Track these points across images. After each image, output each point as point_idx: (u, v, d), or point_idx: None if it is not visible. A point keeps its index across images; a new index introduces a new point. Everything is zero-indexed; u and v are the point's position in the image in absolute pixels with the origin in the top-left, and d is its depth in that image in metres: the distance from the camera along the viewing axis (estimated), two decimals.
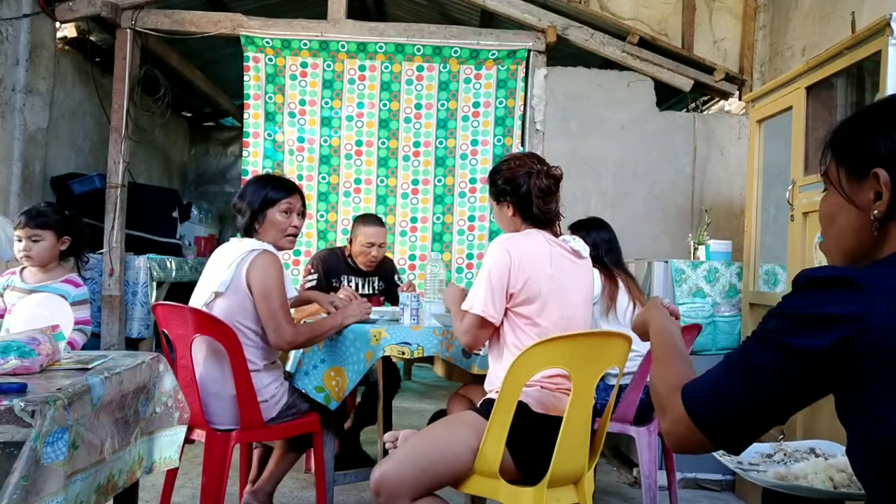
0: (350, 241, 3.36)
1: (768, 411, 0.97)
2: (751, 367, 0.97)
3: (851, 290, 0.90)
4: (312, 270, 3.31)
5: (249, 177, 4.47)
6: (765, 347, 0.96)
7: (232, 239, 2.47)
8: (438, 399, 4.98)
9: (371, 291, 3.41)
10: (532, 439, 1.84)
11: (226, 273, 2.26)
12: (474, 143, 4.57)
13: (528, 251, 1.97)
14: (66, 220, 2.59)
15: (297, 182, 4.47)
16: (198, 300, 2.33)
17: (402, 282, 3.46)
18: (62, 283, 2.56)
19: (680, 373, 1.09)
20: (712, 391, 1.00)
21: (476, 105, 4.57)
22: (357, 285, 3.37)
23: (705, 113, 5.14)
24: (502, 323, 1.99)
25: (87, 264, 2.89)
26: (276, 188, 2.42)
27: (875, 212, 0.97)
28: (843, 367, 0.91)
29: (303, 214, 2.49)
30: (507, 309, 1.97)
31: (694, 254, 3.67)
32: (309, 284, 3.26)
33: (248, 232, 2.39)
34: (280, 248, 2.41)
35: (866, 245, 1.01)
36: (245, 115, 4.53)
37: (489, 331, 2.01)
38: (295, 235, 2.46)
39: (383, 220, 3.52)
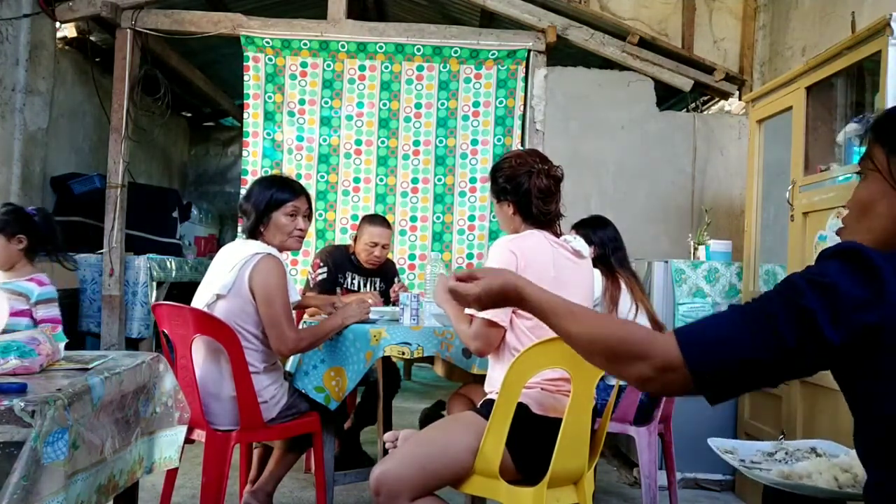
0: (355, 239, 3.37)
1: (769, 370, 0.94)
2: (768, 326, 0.93)
3: (882, 280, 0.89)
4: (321, 264, 3.33)
5: (249, 176, 4.49)
6: (789, 313, 0.92)
7: (237, 240, 2.46)
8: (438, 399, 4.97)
9: (373, 291, 3.41)
10: (532, 440, 1.84)
11: (228, 276, 2.25)
12: (474, 142, 4.57)
13: (532, 253, 1.96)
14: (19, 219, 2.55)
15: None
16: (200, 300, 2.33)
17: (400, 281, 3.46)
18: (26, 282, 2.54)
19: (626, 325, 1.07)
20: (717, 334, 0.96)
21: (476, 105, 4.57)
22: (359, 284, 3.38)
23: (705, 113, 5.15)
24: None
25: (75, 261, 2.84)
26: (282, 190, 2.40)
27: None
28: (862, 353, 0.90)
29: (309, 216, 2.48)
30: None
31: (694, 254, 3.67)
32: (320, 278, 3.28)
33: (254, 234, 2.38)
34: (286, 249, 2.41)
35: None
36: (245, 115, 4.53)
37: (500, 333, 1.96)
38: (301, 237, 2.46)
39: (388, 221, 3.52)
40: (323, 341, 2.37)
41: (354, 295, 3.20)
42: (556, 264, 1.98)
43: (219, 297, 2.26)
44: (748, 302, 0.99)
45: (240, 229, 4.39)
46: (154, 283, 4.64)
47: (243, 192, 4.45)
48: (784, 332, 0.91)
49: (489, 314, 1.92)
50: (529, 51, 4.49)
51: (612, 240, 2.90)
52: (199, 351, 2.27)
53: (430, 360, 2.85)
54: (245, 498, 2.49)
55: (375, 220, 3.37)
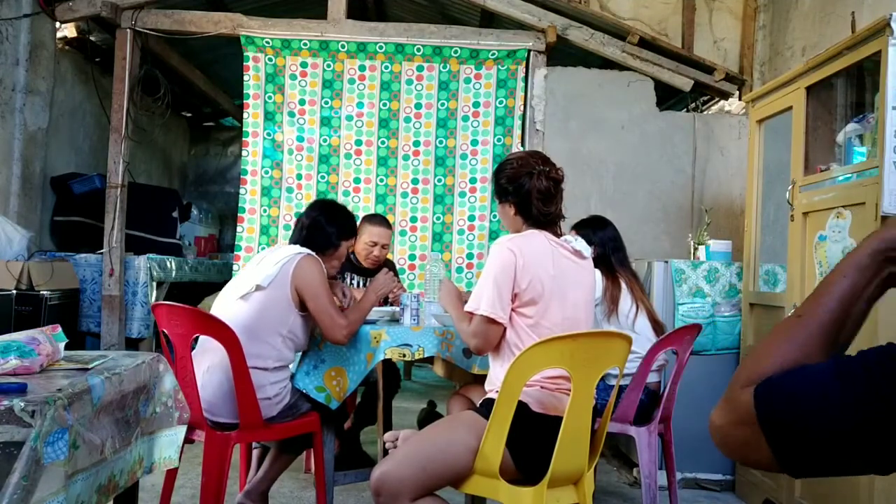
0: (355, 240, 3.37)
1: (862, 451, 0.72)
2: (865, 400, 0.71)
3: None
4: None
5: (249, 176, 4.49)
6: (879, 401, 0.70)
7: (281, 247, 2.54)
8: (438, 399, 4.98)
9: None
10: (532, 439, 1.84)
11: (272, 269, 2.33)
12: (474, 142, 4.57)
13: (531, 252, 1.96)
14: None
15: (296, 181, 4.51)
16: (233, 293, 2.38)
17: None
18: None
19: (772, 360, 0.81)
20: (804, 391, 0.75)
21: (476, 105, 4.57)
22: (358, 284, 3.38)
23: (705, 113, 5.15)
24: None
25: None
26: (354, 224, 2.66)
27: None
28: None
29: None
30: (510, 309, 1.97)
31: (694, 254, 3.67)
32: None
33: (322, 249, 2.50)
34: (330, 273, 2.54)
35: None
36: (245, 115, 4.53)
37: (499, 330, 1.97)
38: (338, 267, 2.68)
39: (389, 221, 3.52)
40: (366, 316, 2.50)
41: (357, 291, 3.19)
42: (557, 264, 1.98)
43: (259, 287, 2.31)
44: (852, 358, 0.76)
45: (240, 230, 4.44)
46: (154, 283, 4.64)
47: (243, 192, 4.48)
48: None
49: (488, 310, 1.92)
50: (529, 51, 4.49)
51: (612, 240, 2.90)
52: (217, 351, 2.25)
53: (430, 360, 2.85)
54: (238, 498, 2.49)
55: (375, 219, 3.37)
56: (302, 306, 2.34)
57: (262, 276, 2.33)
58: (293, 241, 2.52)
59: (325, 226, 2.51)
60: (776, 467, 0.77)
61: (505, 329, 1.98)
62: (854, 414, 0.71)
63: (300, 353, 2.50)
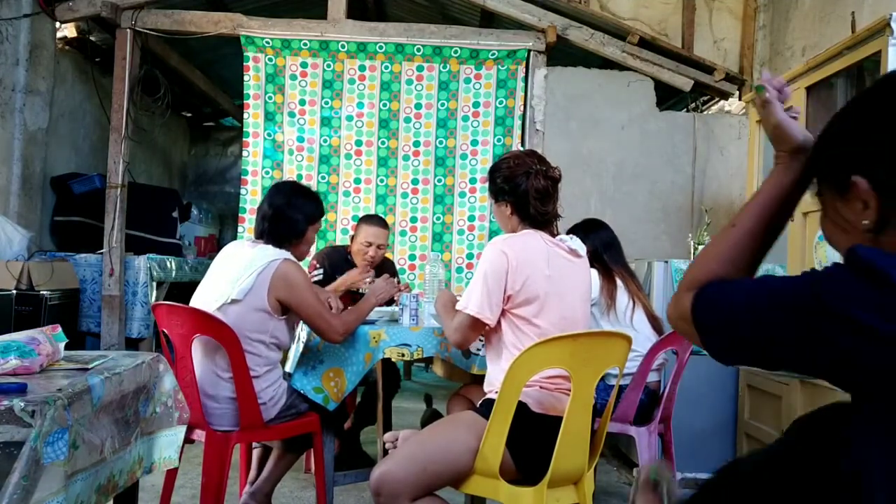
0: (352, 240, 3.37)
1: (768, 359, 0.91)
2: (772, 322, 0.87)
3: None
4: (318, 265, 3.32)
5: (249, 176, 4.49)
6: (797, 317, 0.85)
7: (243, 241, 2.43)
8: (438, 399, 4.98)
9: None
10: (532, 439, 1.84)
11: (246, 281, 2.22)
12: (474, 143, 4.57)
13: (526, 252, 1.96)
14: None
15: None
16: (207, 301, 2.29)
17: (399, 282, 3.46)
18: None
19: (710, 268, 1.03)
20: (724, 310, 0.94)
21: (476, 105, 4.57)
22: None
23: (705, 113, 5.15)
24: (499, 323, 1.98)
25: None
26: (318, 205, 2.46)
27: (865, 221, 0.88)
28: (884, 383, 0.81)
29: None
30: (505, 310, 1.97)
31: (694, 254, 3.67)
32: (315, 279, 3.27)
33: (282, 241, 2.35)
34: (301, 258, 2.44)
35: None
36: (245, 115, 4.53)
37: (480, 329, 2.01)
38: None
39: (386, 221, 3.52)
40: (363, 319, 2.46)
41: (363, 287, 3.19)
42: (552, 263, 1.98)
43: (234, 301, 2.22)
44: (772, 280, 0.92)
45: (241, 230, 4.44)
46: (154, 283, 4.64)
47: (243, 192, 4.48)
48: (781, 328, 0.87)
49: (475, 310, 1.93)
50: (529, 51, 4.49)
51: (605, 239, 2.91)
52: (196, 353, 2.27)
53: (429, 360, 2.85)
54: (243, 499, 2.49)
55: (371, 219, 3.36)
56: (282, 311, 2.28)
57: (235, 286, 2.22)
58: (257, 233, 2.39)
59: (288, 214, 2.35)
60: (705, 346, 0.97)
61: (498, 329, 1.99)
62: (760, 337, 0.89)
63: (299, 353, 2.50)
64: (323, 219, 2.55)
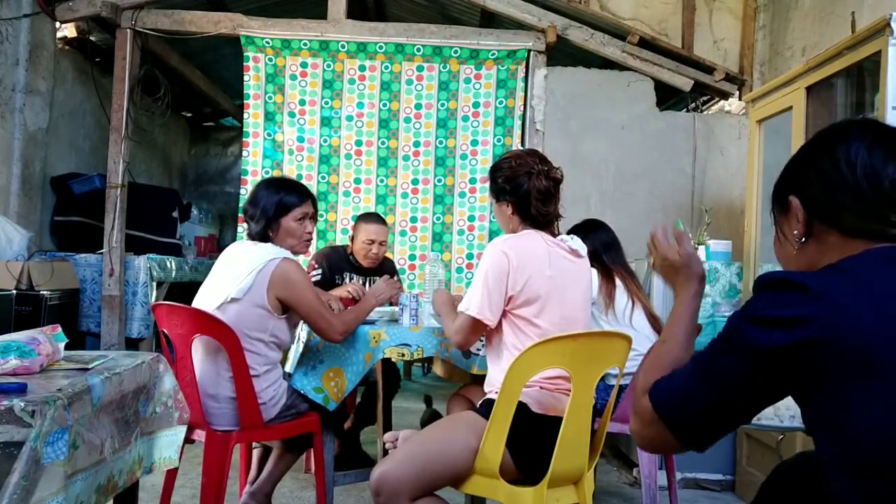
0: (352, 239, 3.36)
1: (732, 412, 1.02)
2: (716, 370, 1.01)
3: (807, 295, 0.94)
4: (316, 266, 3.32)
5: (249, 177, 4.49)
6: (728, 350, 1.00)
7: (245, 241, 2.42)
8: (438, 399, 4.98)
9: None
10: (532, 440, 1.84)
11: (245, 280, 2.22)
12: (474, 143, 4.57)
13: (527, 253, 1.96)
14: None
15: None
16: (208, 301, 2.29)
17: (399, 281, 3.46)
18: None
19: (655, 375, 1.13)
20: (679, 391, 1.05)
21: (476, 105, 4.57)
22: (360, 283, 3.37)
23: (705, 113, 5.14)
24: (500, 324, 1.98)
25: None
26: (290, 194, 2.38)
27: (796, 232, 1.09)
28: (805, 368, 0.93)
29: (315, 219, 2.48)
30: (506, 311, 1.97)
31: None
32: (314, 279, 3.27)
33: (264, 238, 2.35)
34: (296, 253, 2.40)
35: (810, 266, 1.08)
36: (245, 115, 4.53)
37: (481, 330, 2.02)
38: (309, 241, 2.46)
39: (384, 218, 3.52)
40: (363, 319, 2.45)
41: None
42: (554, 264, 1.98)
43: (233, 299, 2.22)
44: (701, 351, 1.06)
45: (240, 230, 4.44)
46: (154, 283, 4.64)
47: (243, 192, 4.48)
48: (726, 364, 0.99)
49: (475, 311, 1.93)
50: (529, 51, 4.49)
51: (605, 239, 2.91)
52: (196, 352, 2.27)
53: (429, 360, 2.85)
54: (243, 499, 2.49)
55: (370, 217, 3.36)
56: (282, 310, 2.29)
57: (235, 285, 2.23)
58: (248, 234, 2.41)
59: (252, 210, 2.36)
60: (683, 449, 1.06)
61: (499, 329, 1.99)
62: (719, 397, 1.00)
63: (299, 353, 2.50)
64: (318, 213, 2.52)
